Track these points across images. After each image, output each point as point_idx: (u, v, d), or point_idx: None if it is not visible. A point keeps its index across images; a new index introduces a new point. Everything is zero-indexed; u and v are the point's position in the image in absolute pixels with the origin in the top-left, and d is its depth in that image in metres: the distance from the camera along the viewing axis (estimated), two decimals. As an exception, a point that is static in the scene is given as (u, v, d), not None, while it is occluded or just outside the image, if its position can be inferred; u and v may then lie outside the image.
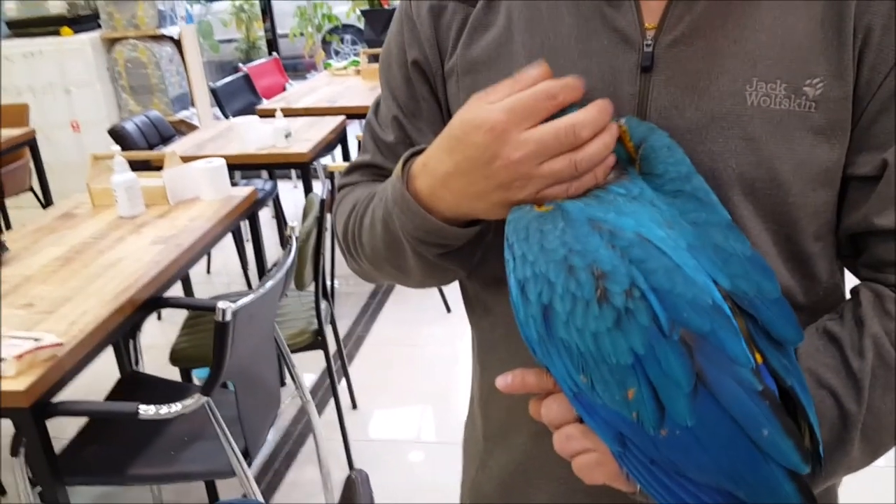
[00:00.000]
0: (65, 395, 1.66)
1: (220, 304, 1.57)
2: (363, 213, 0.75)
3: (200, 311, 2.48)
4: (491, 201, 0.60)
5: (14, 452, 1.65)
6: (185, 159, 2.69)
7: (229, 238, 3.42)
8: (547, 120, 0.58)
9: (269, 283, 1.81)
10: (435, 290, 3.49)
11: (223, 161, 2.56)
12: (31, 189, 4.39)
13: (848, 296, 0.70)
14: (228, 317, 1.58)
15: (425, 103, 0.76)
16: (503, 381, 0.63)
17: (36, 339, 1.61)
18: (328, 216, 2.42)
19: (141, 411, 1.65)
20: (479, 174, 0.59)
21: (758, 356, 0.54)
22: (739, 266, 0.57)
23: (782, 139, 0.63)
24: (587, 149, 0.57)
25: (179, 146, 3.36)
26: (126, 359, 2.42)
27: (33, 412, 1.56)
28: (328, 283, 2.61)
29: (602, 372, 0.53)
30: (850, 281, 0.73)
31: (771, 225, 0.66)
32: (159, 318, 3.55)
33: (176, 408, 1.66)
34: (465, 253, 0.69)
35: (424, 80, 0.76)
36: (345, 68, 4.86)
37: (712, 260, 0.56)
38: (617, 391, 0.53)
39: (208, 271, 4.12)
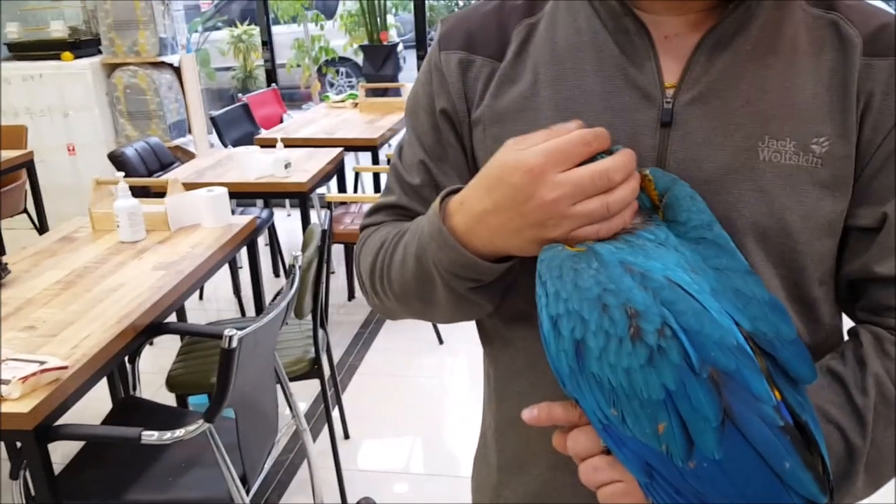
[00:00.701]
0: (62, 419, 1.67)
1: (227, 332, 1.60)
2: (393, 249, 0.78)
3: (196, 339, 2.49)
4: (525, 238, 0.64)
5: (14, 476, 1.65)
6: (186, 186, 2.72)
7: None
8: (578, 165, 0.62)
9: (273, 312, 1.84)
10: (427, 322, 3.52)
11: (225, 190, 2.59)
12: (26, 210, 4.40)
13: (846, 337, 0.75)
14: (234, 343, 1.60)
15: (451, 149, 0.81)
16: (529, 414, 0.66)
17: (41, 363, 1.62)
18: (327, 246, 2.45)
19: (143, 436, 1.66)
20: (516, 212, 0.63)
21: (777, 393, 0.58)
22: (759, 309, 0.61)
23: (791, 192, 0.68)
24: (618, 192, 0.62)
25: (180, 173, 3.39)
26: (120, 384, 2.43)
27: (36, 435, 1.57)
28: (323, 312, 2.63)
29: (633, 406, 0.56)
30: (847, 323, 0.78)
31: (781, 270, 0.71)
32: (151, 343, 3.54)
33: (178, 433, 1.67)
34: (495, 287, 0.73)
35: (451, 128, 0.80)
36: (342, 101, 4.93)
37: (734, 303, 0.60)
38: (648, 425, 0.56)
39: (200, 298, 4.12)
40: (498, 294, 0.75)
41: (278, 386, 2.22)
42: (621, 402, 0.57)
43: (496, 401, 0.86)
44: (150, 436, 1.66)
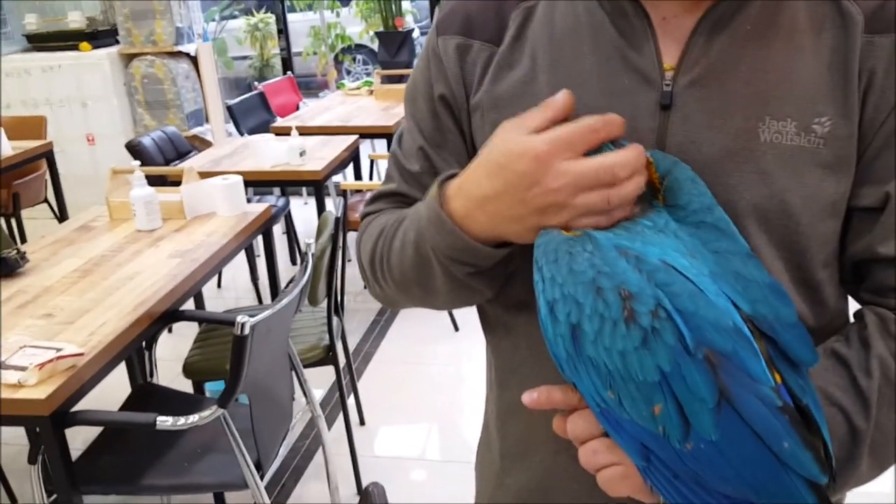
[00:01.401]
0: (79, 405, 1.69)
1: (240, 318, 1.61)
2: (392, 235, 0.78)
3: (213, 325, 2.52)
4: (524, 225, 0.64)
5: (33, 460, 1.68)
6: (202, 175, 2.74)
7: (240, 254, 3.46)
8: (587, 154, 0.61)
9: (286, 299, 1.85)
10: (442, 311, 3.52)
11: (240, 178, 2.61)
12: (46, 200, 4.45)
13: (852, 319, 0.74)
14: (247, 330, 1.61)
15: (450, 135, 0.80)
16: (529, 398, 0.66)
17: (57, 350, 1.64)
18: (342, 234, 2.45)
19: (158, 422, 1.68)
20: (518, 199, 0.62)
21: (777, 376, 0.57)
22: (759, 292, 0.60)
23: (793, 173, 0.67)
24: (622, 188, 0.61)
25: (196, 162, 3.41)
26: (139, 370, 2.45)
27: (53, 421, 1.59)
28: (339, 299, 2.64)
29: (629, 388, 0.56)
30: (853, 306, 0.77)
31: (783, 253, 0.70)
32: (170, 331, 3.57)
33: (193, 419, 1.69)
34: (494, 274, 0.72)
35: (450, 114, 0.80)
36: (358, 88, 4.93)
37: (733, 286, 0.59)
38: (644, 407, 0.56)
39: (219, 286, 4.15)
40: (497, 280, 0.75)
41: (293, 372, 2.23)
42: (617, 385, 0.57)
43: (498, 388, 0.86)
44: (165, 421, 1.68)
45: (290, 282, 2.02)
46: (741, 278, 0.60)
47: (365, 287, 0.87)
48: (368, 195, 0.89)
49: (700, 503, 0.57)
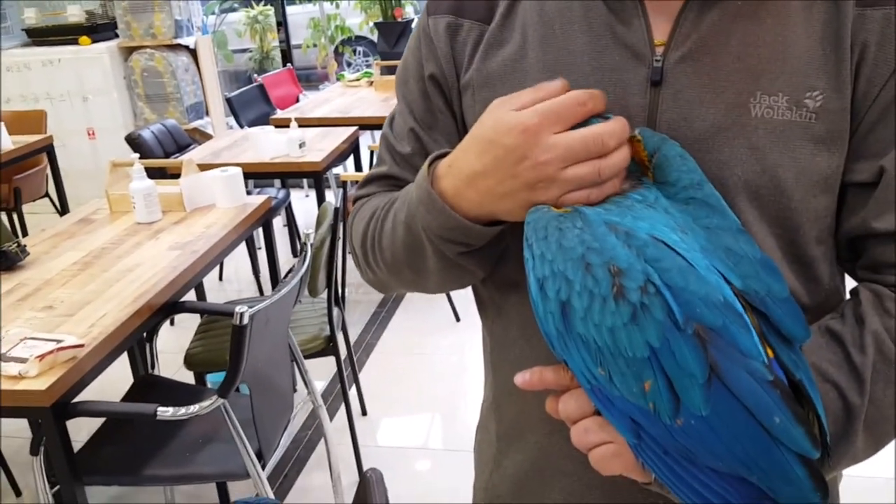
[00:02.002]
0: (82, 397, 1.70)
1: (238, 309, 1.61)
2: (383, 217, 0.78)
3: (214, 317, 2.52)
4: (515, 201, 0.63)
5: (34, 451, 1.69)
6: (202, 167, 2.74)
7: (241, 246, 3.46)
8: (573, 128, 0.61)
9: (285, 289, 1.85)
10: (444, 300, 3.53)
11: (239, 170, 2.61)
12: (47, 195, 4.46)
13: (848, 297, 0.73)
14: (246, 320, 1.62)
15: (441, 115, 0.80)
16: (521, 378, 0.66)
17: (58, 341, 1.65)
18: (342, 225, 2.46)
19: (159, 412, 1.69)
20: (508, 173, 0.62)
21: (769, 351, 0.57)
22: (750, 267, 0.60)
23: (785, 148, 0.67)
24: (611, 158, 0.61)
25: (195, 154, 3.41)
26: (141, 362, 2.46)
27: (54, 412, 1.60)
28: (340, 290, 2.65)
29: (619, 365, 0.56)
30: (850, 284, 0.76)
31: (775, 230, 0.69)
32: (172, 323, 3.59)
33: (193, 409, 1.70)
34: (486, 253, 0.72)
35: (441, 94, 0.79)
36: (358, 80, 4.92)
37: (724, 262, 0.59)
38: (634, 383, 0.56)
39: (220, 278, 4.16)
40: (489, 260, 0.74)
41: (293, 363, 2.24)
42: (607, 362, 0.57)
43: (493, 371, 0.86)
44: (166, 411, 1.69)
45: (290, 272, 2.02)
46: (732, 253, 0.60)
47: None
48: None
49: (690, 479, 0.57)
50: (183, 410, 1.70)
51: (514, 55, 0.74)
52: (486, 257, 0.73)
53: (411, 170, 0.81)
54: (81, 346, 1.67)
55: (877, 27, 0.66)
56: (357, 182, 3.89)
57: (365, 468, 2.51)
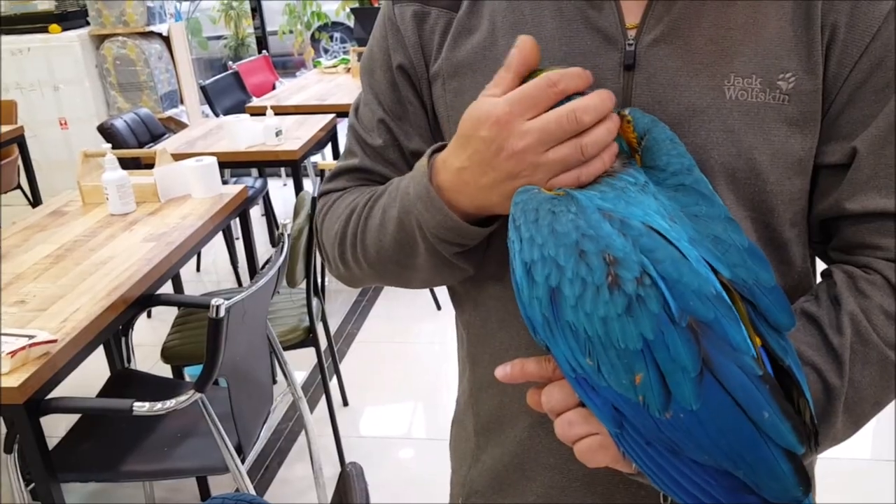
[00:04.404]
0: (57, 392, 1.67)
1: (214, 301, 1.58)
2: (368, 214, 0.75)
3: (191, 309, 2.49)
4: (503, 193, 0.62)
5: (8, 449, 1.66)
6: (176, 157, 2.70)
7: (219, 237, 3.42)
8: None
9: (262, 280, 1.82)
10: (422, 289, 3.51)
11: (214, 159, 2.56)
12: (20, 186, 4.38)
13: (819, 279, 0.73)
14: (222, 313, 1.59)
15: (411, 106, 0.78)
16: (503, 371, 0.64)
17: (30, 337, 1.61)
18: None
19: (135, 407, 1.66)
20: (489, 166, 0.61)
21: (757, 339, 0.57)
22: (738, 256, 0.59)
23: (759, 130, 0.66)
24: (592, 133, 0.59)
25: (170, 144, 3.36)
26: (117, 356, 2.43)
27: (27, 409, 1.57)
28: (319, 280, 2.62)
29: (609, 356, 0.55)
30: (820, 266, 0.76)
31: (751, 213, 0.69)
32: (149, 316, 3.54)
33: (169, 404, 1.67)
34: (478, 252, 0.71)
35: (410, 84, 0.77)
36: (334, 66, 4.87)
37: (712, 251, 0.58)
38: (624, 375, 0.54)
39: (198, 269, 4.12)
40: (480, 258, 0.73)
41: (273, 355, 2.21)
42: (597, 352, 0.55)
43: (470, 365, 0.85)
44: (142, 407, 1.67)
45: (267, 262, 1.99)
46: (720, 242, 0.59)
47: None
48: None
49: (672, 471, 0.56)
50: (159, 405, 1.67)
51: (484, 42, 0.72)
52: (478, 255, 0.72)
53: (383, 162, 0.79)
54: (54, 341, 1.64)
55: (846, 8, 0.66)
56: (335, 170, 3.87)
57: (347, 459, 2.50)
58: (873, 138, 0.66)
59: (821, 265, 0.76)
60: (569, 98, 0.60)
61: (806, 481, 0.55)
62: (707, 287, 0.54)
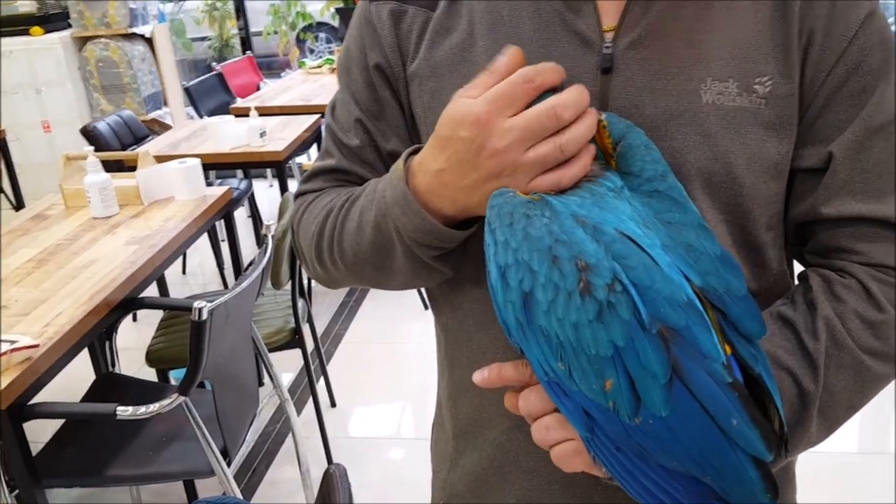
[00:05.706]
0: (40, 397, 1.65)
1: (197, 304, 1.58)
2: (345, 216, 0.74)
3: (176, 312, 2.47)
4: (483, 193, 0.62)
5: (-10, 456, 1.64)
6: (160, 159, 2.68)
7: (204, 239, 3.40)
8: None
9: (246, 282, 1.82)
10: (411, 290, 3.50)
11: (198, 161, 2.55)
12: (2, 190, 4.34)
13: (797, 282, 0.73)
14: (205, 316, 1.58)
15: (388, 106, 0.77)
16: (480, 376, 0.64)
17: (12, 342, 1.60)
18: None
19: (119, 412, 1.65)
20: (470, 166, 0.61)
21: (727, 347, 0.57)
22: (710, 264, 0.59)
23: (736, 134, 0.66)
24: (571, 131, 0.59)
25: (153, 146, 3.34)
26: (102, 360, 2.41)
27: (10, 414, 1.56)
28: (305, 281, 2.61)
29: (580, 361, 0.55)
30: (797, 269, 0.77)
31: (727, 216, 0.69)
32: (134, 319, 3.52)
33: (153, 408, 1.66)
34: (456, 254, 0.71)
35: (387, 84, 0.76)
36: (319, 67, 4.85)
37: (684, 258, 0.58)
38: (594, 380, 0.55)
39: (184, 272, 4.09)
40: (457, 260, 0.73)
41: (258, 357, 2.20)
42: (568, 357, 0.55)
43: (448, 368, 0.84)
44: (125, 411, 1.65)
45: (250, 264, 1.98)
46: (693, 250, 0.59)
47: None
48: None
49: (641, 476, 0.57)
50: (143, 409, 1.66)
51: (462, 43, 0.72)
52: (457, 258, 0.72)
53: (360, 162, 0.79)
54: (36, 346, 1.63)
55: (823, 12, 0.66)
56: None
57: (335, 460, 2.50)
58: (849, 143, 0.67)
59: (798, 268, 0.77)
60: (544, 94, 0.60)
61: (773, 488, 0.55)
62: (679, 294, 0.54)
